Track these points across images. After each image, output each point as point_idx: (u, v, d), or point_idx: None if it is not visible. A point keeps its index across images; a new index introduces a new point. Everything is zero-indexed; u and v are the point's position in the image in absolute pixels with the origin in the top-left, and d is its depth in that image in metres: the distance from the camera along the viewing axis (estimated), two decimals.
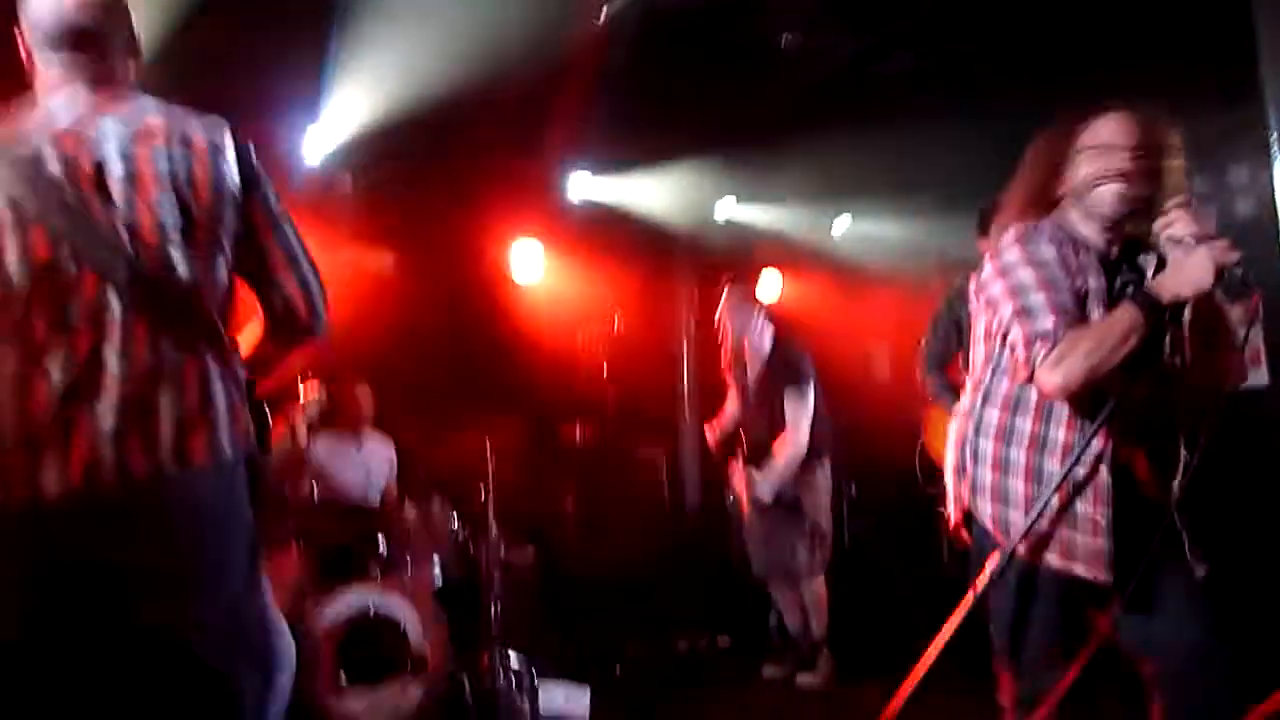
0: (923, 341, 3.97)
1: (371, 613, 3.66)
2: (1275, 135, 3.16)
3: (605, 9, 4.31)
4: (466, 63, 4.18)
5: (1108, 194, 1.97)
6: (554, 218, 5.86)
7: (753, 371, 4.72)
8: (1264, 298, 4.87)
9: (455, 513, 4.55)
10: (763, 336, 4.68)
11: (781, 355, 4.67)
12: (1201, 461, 2.01)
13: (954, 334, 3.77)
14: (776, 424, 4.59)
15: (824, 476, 4.66)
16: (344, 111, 4.60)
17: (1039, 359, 1.87)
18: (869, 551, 5.82)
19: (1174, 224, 1.86)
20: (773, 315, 4.76)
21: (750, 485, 4.63)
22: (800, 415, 4.53)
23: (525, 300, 5.74)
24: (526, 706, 3.88)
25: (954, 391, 3.44)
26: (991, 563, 1.83)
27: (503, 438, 4.74)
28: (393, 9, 4.03)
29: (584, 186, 5.89)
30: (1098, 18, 4.01)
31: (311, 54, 4.24)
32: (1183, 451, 1.99)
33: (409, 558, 4.11)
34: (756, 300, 4.80)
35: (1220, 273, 1.79)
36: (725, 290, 4.76)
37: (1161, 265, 1.98)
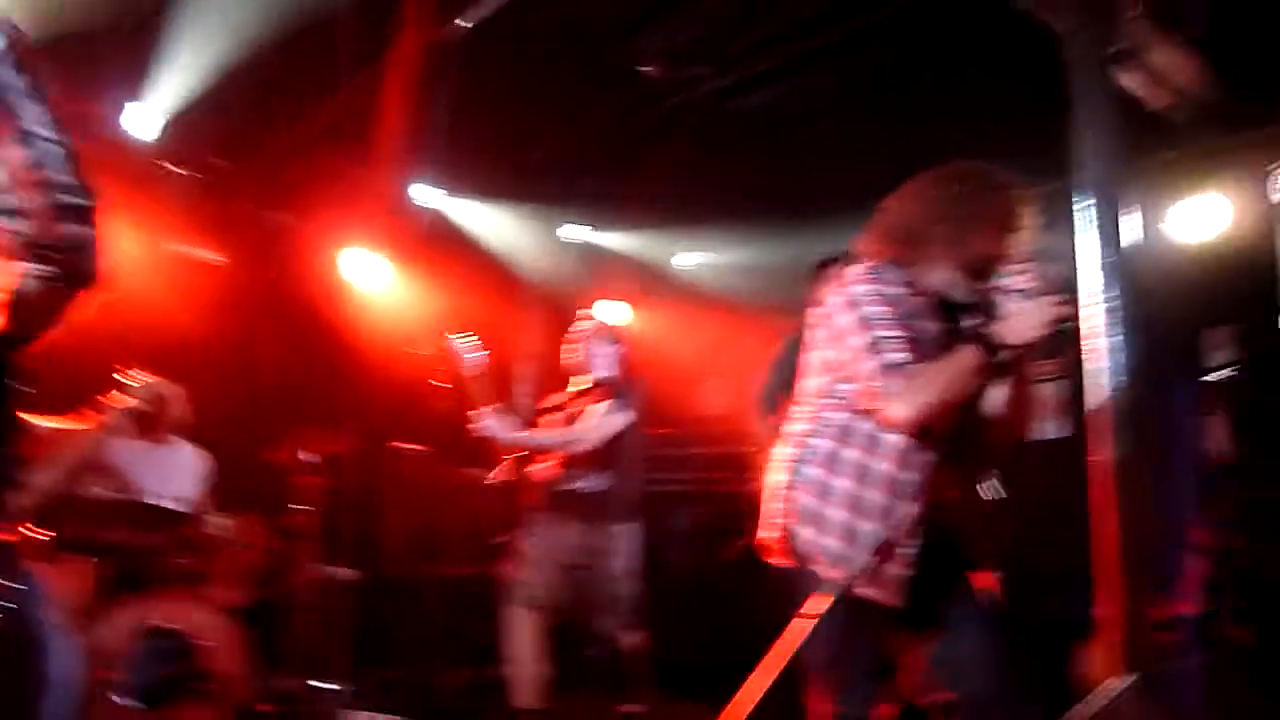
0: (762, 386, 4.07)
1: (165, 629, 3.39)
2: (1085, 211, 3.43)
3: (464, 20, 4.25)
4: (302, 51, 4.03)
5: (983, 279, 2.07)
6: (399, 230, 5.70)
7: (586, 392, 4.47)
8: (1067, 359, 5.27)
9: (272, 529, 4.32)
10: (607, 362, 4.46)
11: (619, 386, 4.46)
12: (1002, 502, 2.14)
13: (789, 378, 3.85)
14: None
15: (632, 540, 4.40)
16: (171, 89, 4.33)
17: (888, 390, 1.95)
18: (700, 581, 5.88)
19: (1019, 279, 1.99)
20: (621, 345, 4.53)
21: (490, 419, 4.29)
22: (597, 424, 4.21)
23: (363, 311, 5.53)
24: None
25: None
26: (819, 590, 1.87)
27: (329, 451, 4.54)
28: None
29: (429, 198, 5.76)
30: (941, 77, 4.26)
31: (140, 27, 3.99)
32: (986, 490, 2.11)
33: (213, 573, 3.84)
34: (610, 330, 4.58)
35: (1052, 326, 1.92)
36: (579, 318, 4.57)
37: (984, 317, 2.11)
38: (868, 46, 4.19)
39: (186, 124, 4.65)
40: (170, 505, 4.20)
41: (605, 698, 4.65)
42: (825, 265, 3.84)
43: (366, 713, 3.88)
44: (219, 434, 4.39)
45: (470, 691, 5.17)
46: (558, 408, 4.54)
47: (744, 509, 4.29)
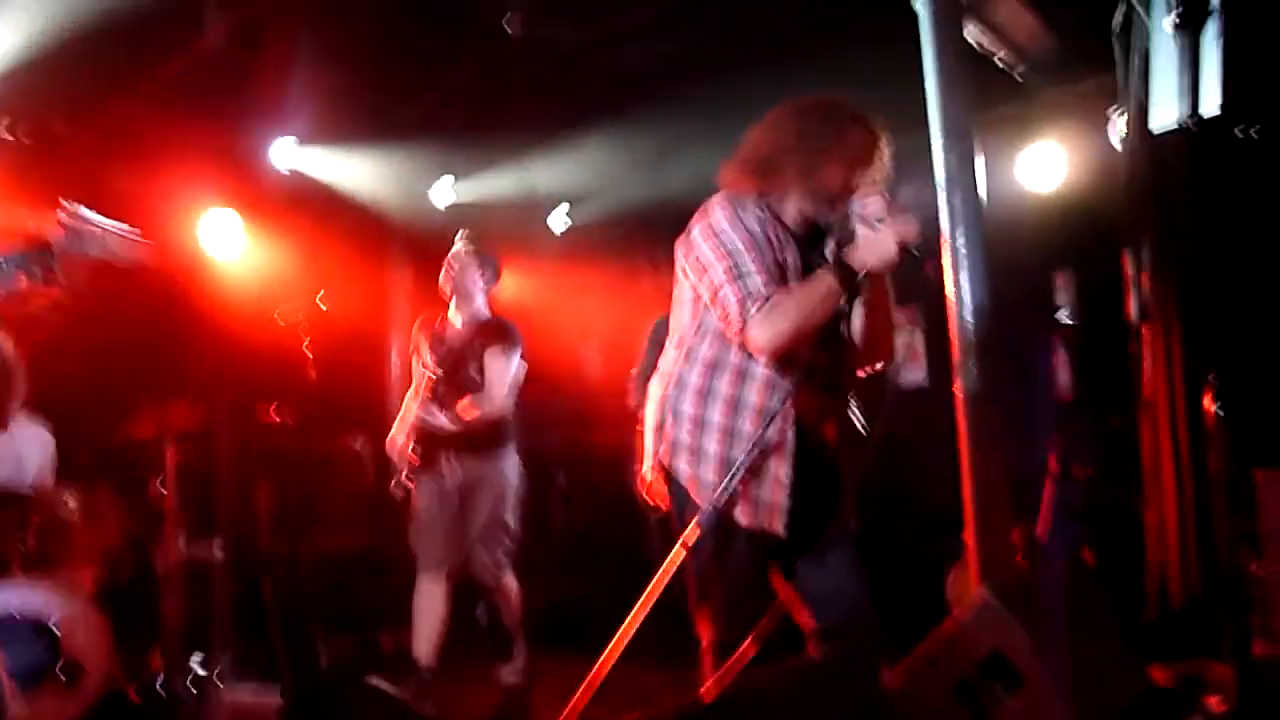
0: (636, 368, 4.07)
1: (14, 614, 3.20)
2: (940, 162, 3.57)
3: None
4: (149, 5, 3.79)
5: (840, 208, 2.12)
6: (255, 188, 5.45)
7: (459, 331, 4.34)
8: (923, 308, 5.48)
9: (129, 505, 4.12)
10: (480, 292, 4.34)
11: (489, 322, 4.35)
12: (869, 435, 2.22)
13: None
14: (472, 384, 4.20)
15: (512, 467, 4.34)
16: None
17: (750, 315, 1.98)
18: (577, 540, 5.93)
19: (869, 205, 2.04)
20: (496, 278, 4.43)
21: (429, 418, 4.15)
22: (501, 381, 4.15)
23: (220, 275, 5.28)
24: (205, 709, 3.56)
25: None
26: (696, 521, 1.91)
27: (189, 422, 4.34)
28: None
29: (290, 157, 5.51)
30: (800, 30, 4.33)
31: None
32: (858, 420, 2.19)
33: (64, 553, 3.64)
34: (482, 261, 4.40)
35: (904, 248, 1.97)
36: (451, 254, 4.36)
37: (839, 247, 2.17)
38: (722, 5, 4.23)
39: (17, 86, 4.31)
40: (14, 485, 3.96)
41: (486, 660, 4.66)
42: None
43: (245, 684, 3.76)
44: (74, 409, 4.13)
45: (353, 660, 5.09)
46: (438, 338, 4.35)
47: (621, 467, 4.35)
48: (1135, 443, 4.35)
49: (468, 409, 4.11)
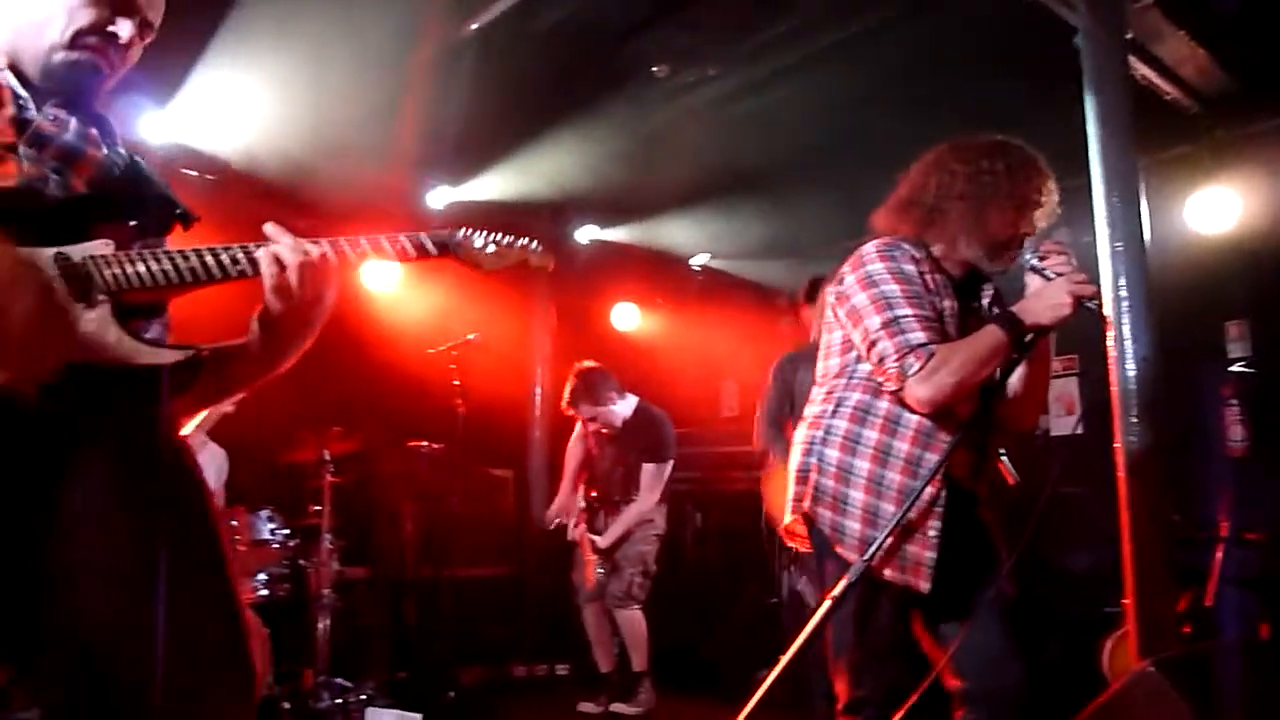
0: (760, 407, 4.05)
1: None
2: (1101, 204, 3.43)
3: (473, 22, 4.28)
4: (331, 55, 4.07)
5: (1009, 256, 2.05)
6: (415, 224, 5.72)
7: (609, 434, 4.83)
8: (1081, 354, 5.24)
9: (287, 525, 4.35)
10: (619, 409, 4.79)
11: (644, 421, 4.80)
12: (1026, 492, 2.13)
13: (787, 398, 3.86)
14: (630, 482, 4.75)
15: (660, 517, 4.82)
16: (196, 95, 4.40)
17: (911, 371, 1.92)
18: (712, 579, 5.89)
19: (1048, 259, 1.96)
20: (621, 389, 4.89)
21: (590, 541, 4.73)
22: (655, 489, 4.73)
23: (378, 308, 5.57)
24: None
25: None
26: (845, 576, 1.86)
27: (345, 450, 4.57)
28: None
29: (444, 198, 5.78)
30: (958, 69, 4.24)
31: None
32: (1010, 473, 2.09)
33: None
34: (609, 380, 4.85)
35: (1078, 303, 1.88)
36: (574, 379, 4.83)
37: (998, 294, 2.09)
38: (882, 40, 4.19)
39: (206, 128, 4.69)
40: None
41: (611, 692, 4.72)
42: (819, 282, 3.86)
43: (390, 710, 3.89)
44: (239, 433, 4.42)
45: (489, 689, 5.19)
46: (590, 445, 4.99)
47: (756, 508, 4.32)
48: None
49: (629, 518, 4.70)
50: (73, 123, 1.45)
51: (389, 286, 5.60)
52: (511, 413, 6.21)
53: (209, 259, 1.42)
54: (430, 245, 1.53)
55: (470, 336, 4.75)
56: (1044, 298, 1.91)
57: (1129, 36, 3.64)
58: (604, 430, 4.83)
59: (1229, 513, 4.47)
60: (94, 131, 1.49)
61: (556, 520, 4.98)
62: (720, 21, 4.36)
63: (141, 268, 1.39)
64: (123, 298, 1.38)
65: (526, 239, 1.63)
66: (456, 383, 4.78)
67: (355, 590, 4.88)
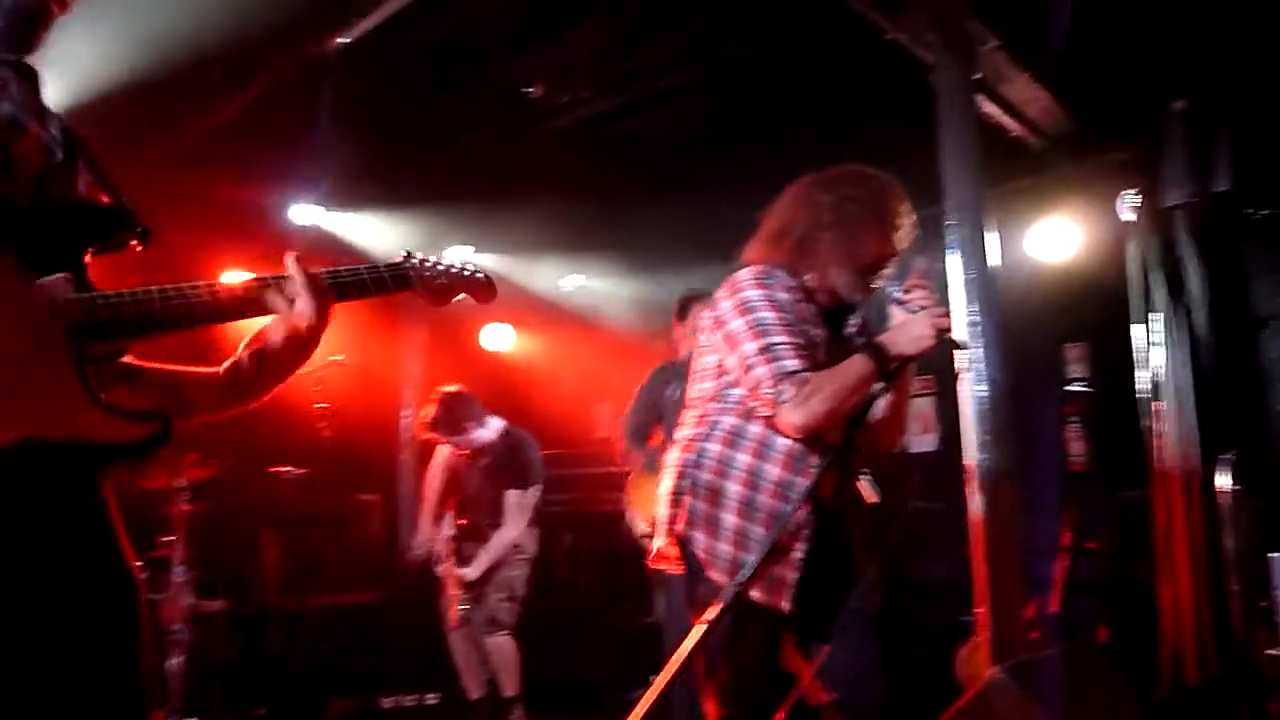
0: (625, 414, 4.10)
1: None
2: (953, 234, 3.61)
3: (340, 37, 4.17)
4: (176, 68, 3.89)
5: (874, 280, 2.13)
6: (274, 247, 5.53)
7: (478, 454, 4.77)
8: (937, 375, 5.48)
9: (135, 555, 4.10)
10: (480, 435, 4.72)
11: (511, 445, 4.75)
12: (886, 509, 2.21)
13: (654, 409, 3.94)
14: (495, 510, 4.68)
15: (530, 540, 4.78)
16: None
17: (784, 397, 1.97)
18: (585, 602, 5.87)
19: (911, 292, 2.03)
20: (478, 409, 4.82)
21: (456, 575, 4.64)
22: (519, 518, 4.67)
23: (239, 326, 5.32)
24: None
25: (656, 460, 3.60)
26: (718, 598, 1.88)
27: (201, 476, 4.35)
28: None
29: (309, 217, 5.61)
30: (816, 105, 4.42)
31: None
32: (873, 493, 2.17)
33: None
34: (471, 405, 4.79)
35: (940, 336, 1.97)
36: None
37: (864, 324, 2.18)
38: (750, 73, 4.32)
39: None
40: None
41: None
42: (689, 300, 3.95)
43: None
44: None
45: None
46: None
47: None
48: (1149, 516, 4.31)
49: (495, 548, 4.61)
50: (13, 83, 1.29)
51: None
52: (379, 435, 6.05)
53: (217, 296, 1.32)
54: (389, 280, 1.49)
55: (336, 358, 4.61)
56: (908, 330, 1.99)
57: (978, 77, 3.86)
58: (468, 455, 4.76)
59: (1071, 524, 4.76)
60: (32, 95, 1.34)
61: (422, 551, 4.88)
62: (595, 46, 4.41)
63: (132, 311, 1.24)
64: (93, 349, 1.23)
65: (472, 267, 1.62)
66: (321, 405, 4.63)
67: (211, 624, 4.64)
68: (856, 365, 2.00)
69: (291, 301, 1.39)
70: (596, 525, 5.85)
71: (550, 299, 6.97)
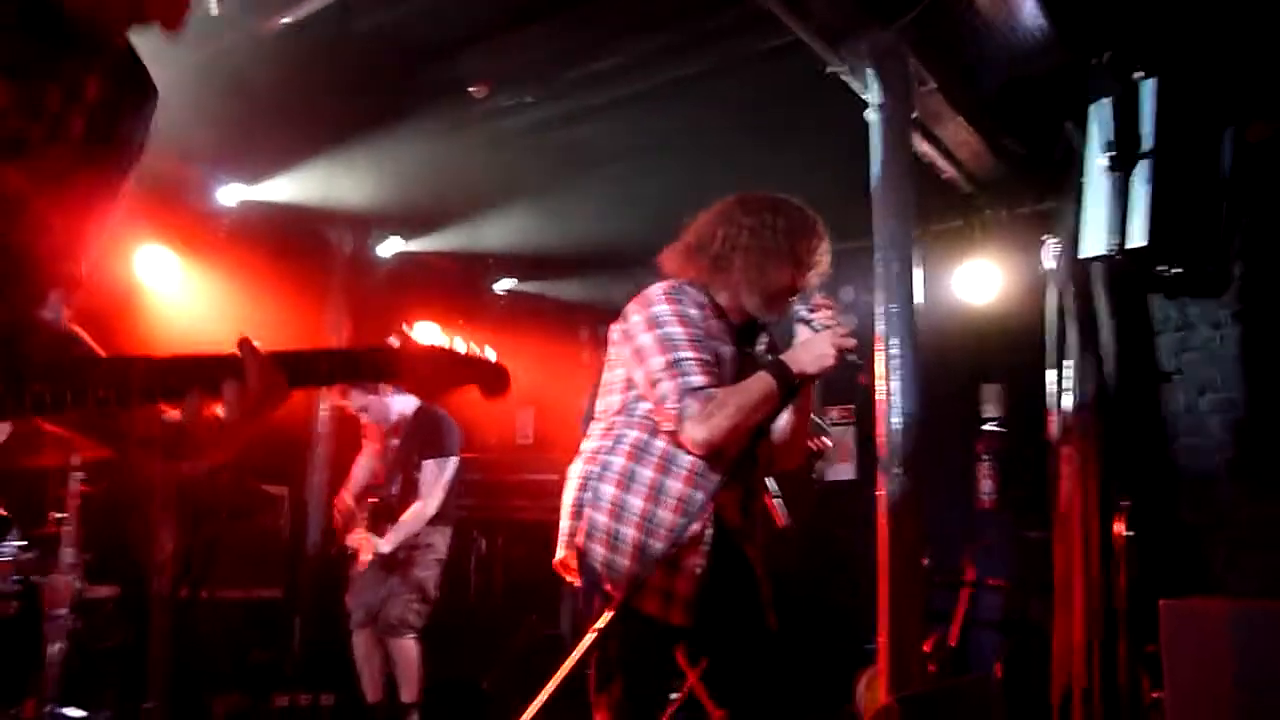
0: (586, 403, 4.08)
1: None
2: (881, 268, 3.67)
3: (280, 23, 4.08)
4: None
5: (783, 308, 2.16)
6: (197, 226, 5.38)
7: (391, 433, 4.71)
8: (857, 406, 5.56)
9: (22, 535, 3.92)
10: (394, 402, 4.65)
11: (424, 420, 4.66)
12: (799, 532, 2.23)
13: None
14: (410, 488, 4.61)
15: (442, 540, 4.70)
16: None
17: (689, 413, 1.97)
18: (494, 609, 5.81)
19: (817, 312, 2.06)
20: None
21: (370, 543, 4.54)
22: (437, 488, 4.58)
23: (152, 306, 5.16)
24: None
25: None
26: (608, 609, 1.87)
27: (97, 456, 4.19)
28: None
29: (235, 197, 5.47)
30: (753, 131, 4.46)
31: None
32: (781, 514, 2.18)
33: None
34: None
35: (841, 356, 1.98)
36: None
37: (773, 343, 2.20)
38: (692, 92, 4.34)
39: None
40: None
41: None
42: None
43: None
44: None
45: (245, 719, 4.87)
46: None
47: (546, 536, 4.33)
48: (1049, 557, 4.43)
49: (410, 524, 4.52)
50: None
51: (167, 284, 5.22)
52: (293, 427, 5.90)
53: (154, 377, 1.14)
54: (362, 370, 1.27)
55: (252, 342, 4.47)
56: (810, 349, 2.02)
57: (914, 116, 3.94)
58: (383, 428, 4.68)
59: (975, 559, 4.87)
60: None
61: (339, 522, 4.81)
62: (543, 51, 4.39)
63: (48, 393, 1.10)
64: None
65: (478, 350, 1.37)
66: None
67: (100, 610, 4.46)
68: (760, 382, 2.01)
69: (238, 387, 1.20)
70: (511, 532, 5.80)
71: (479, 300, 6.90)
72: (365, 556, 4.50)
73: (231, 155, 5.18)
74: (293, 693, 5.23)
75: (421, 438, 4.65)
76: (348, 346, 1.31)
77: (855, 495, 5.58)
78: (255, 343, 1.22)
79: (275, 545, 5.54)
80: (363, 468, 4.87)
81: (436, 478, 4.58)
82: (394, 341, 1.29)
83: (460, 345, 1.33)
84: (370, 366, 1.28)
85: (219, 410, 1.23)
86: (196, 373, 1.20)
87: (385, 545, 4.49)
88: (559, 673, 1.81)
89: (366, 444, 4.87)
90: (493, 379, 1.37)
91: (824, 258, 2.22)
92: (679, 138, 4.72)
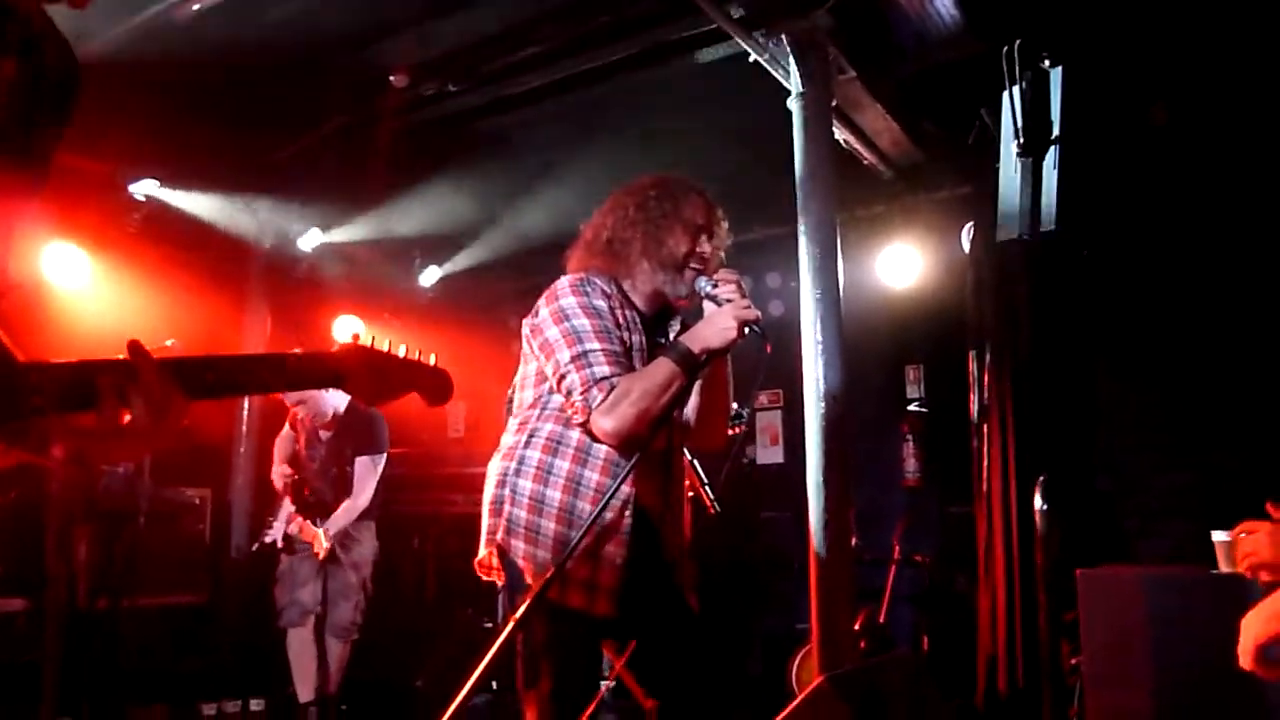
0: (509, 396, 4.06)
1: None
2: (805, 254, 3.72)
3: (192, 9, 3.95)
4: None
5: (689, 275, 2.16)
6: (107, 222, 5.19)
7: (323, 427, 4.66)
8: (785, 390, 5.65)
9: None
10: (330, 397, 4.59)
11: (356, 417, 4.63)
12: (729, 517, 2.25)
13: None
14: (341, 482, 4.60)
15: (371, 536, 4.71)
16: None
17: (595, 403, 1.97)
18: (426, 605, 5.75)
19: (720, 285, 2.08)
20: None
21: (320, 536, 4.48)
22: (368, 483, 4.60)
23: (62, 305, 4.96)
24: None
25: None
26: (528, 602, 1.86)
27: (4, 464, 4.01)
28: None
29: (147, 193, 5.29)
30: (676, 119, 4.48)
31: None
32: (708, 498, 2.20)
33: None
34: None
35: (743, 328, 2.00)
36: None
37: (684, 328, 2.21)
38: (606, 83, 4.35)
39: None
40: None
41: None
42: None
43: None
44: None
45: None
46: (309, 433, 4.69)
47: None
48: (973, 532, 4.56)
49: (342, 517, 4.52)
50: None
51: (76, 281, 5.02)
52: (213, 428, 5.74)
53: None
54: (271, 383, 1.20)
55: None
56: (713, 323, 2.04)
57: (834, 104, 4.00)
58: (313, 423, 4.63)
59: (901, 536, 4.99)
60: None
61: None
62: (463, 40, 4.33)
63: None
64: None
65: (417, 354, 1.31)
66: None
67: (13, 624, 4.30)
68: (660, 366, 2.02)
69: (128, 399, 1.10)
70: (444, 527, 5.74)
71: (404, 293, 6.80)
72: (322, 547, 4.46)
73: (143, 149, 5.01)
74: (220, 700, 5.11)
75: (354, 434, 4.63)
76: (284, 350, 1.21)
77: (784, 478, 5.66)
78: (145, 349, 1.12)
79: (198, 549, 5.40)
80: (283, 448, 4.77)
81: (369, 473, 4.60)
82: (335, 346, 1.24)
83: (400, 351, 1.30)
84: (314, 374, 1.23)
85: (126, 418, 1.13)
86: (106, 379, 1.11)
87: (326, 541, 4.47)
88: (478, 667, 1.80)
89: (289, 430, 4.78)
90: (435, 386, 1.36)
91: (716, 220, 2.24)
92: (601, 126, 4.72)
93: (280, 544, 4.61)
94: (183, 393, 1.13)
